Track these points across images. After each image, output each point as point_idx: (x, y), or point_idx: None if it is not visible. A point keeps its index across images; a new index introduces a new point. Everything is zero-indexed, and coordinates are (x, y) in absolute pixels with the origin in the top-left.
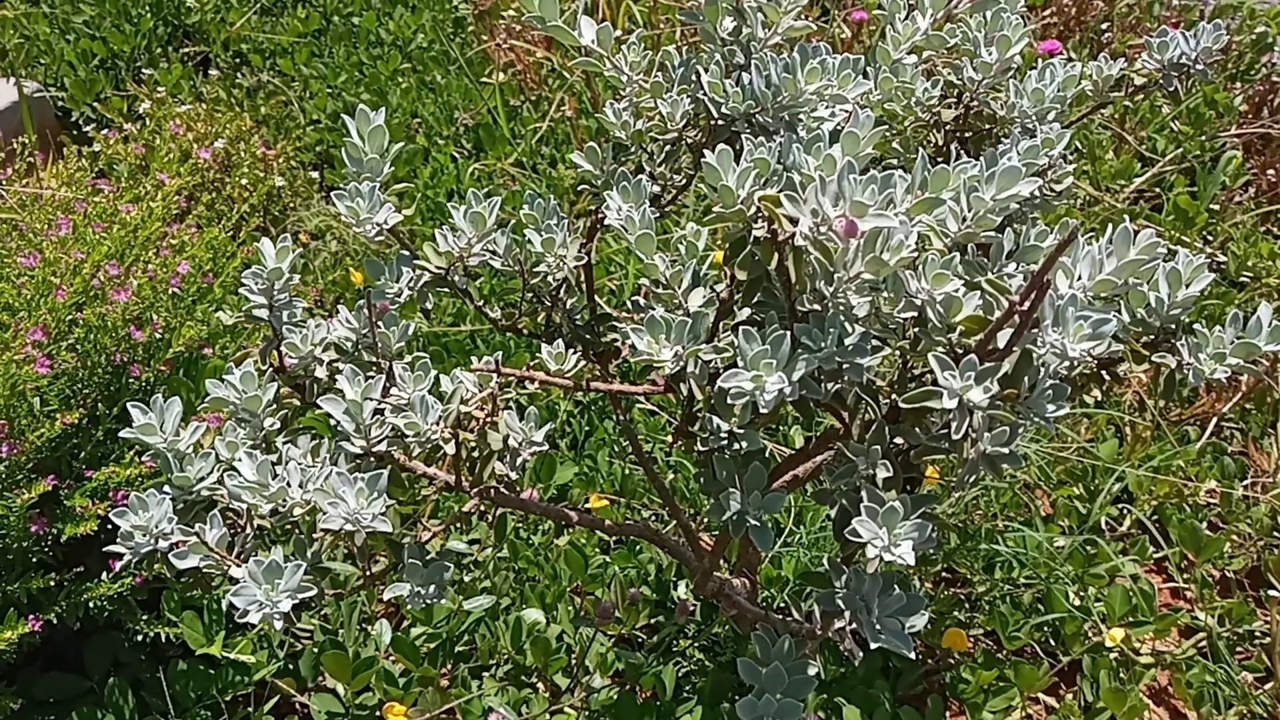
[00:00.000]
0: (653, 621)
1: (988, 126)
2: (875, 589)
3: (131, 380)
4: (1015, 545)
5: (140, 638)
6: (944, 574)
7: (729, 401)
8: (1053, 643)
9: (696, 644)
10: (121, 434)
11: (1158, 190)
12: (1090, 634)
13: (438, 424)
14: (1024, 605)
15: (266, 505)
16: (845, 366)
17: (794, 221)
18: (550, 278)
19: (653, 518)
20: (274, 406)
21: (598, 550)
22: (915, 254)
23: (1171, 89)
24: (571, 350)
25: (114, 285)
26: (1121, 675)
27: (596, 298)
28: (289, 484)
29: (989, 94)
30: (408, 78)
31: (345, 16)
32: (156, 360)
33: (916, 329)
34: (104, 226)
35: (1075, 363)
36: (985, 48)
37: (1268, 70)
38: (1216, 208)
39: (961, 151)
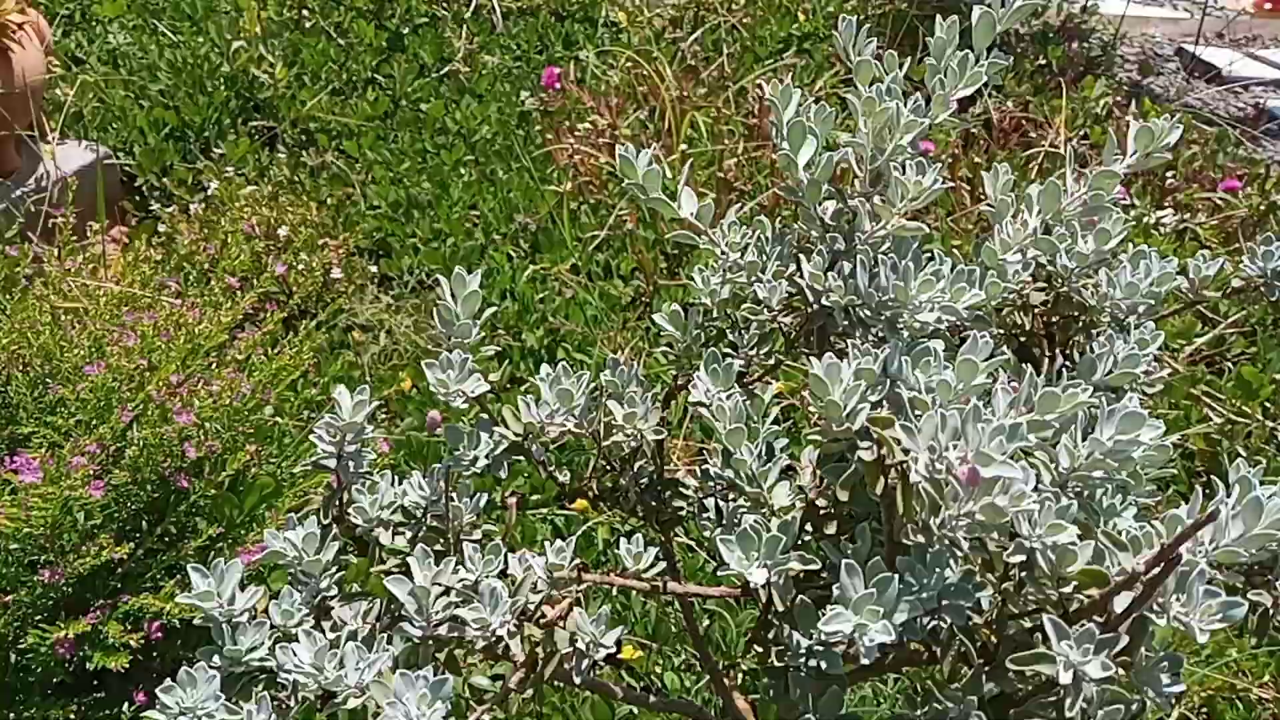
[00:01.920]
0: None
1: (1076, 313)
2: None
3: (177, 495)
4: None
5: None
6: None
7: (825, 641)
8: None
9: None
10: (178, 599)
11: (1218, 352)
12: None
13: (507, 616)
14: None
15: (316, 688)
16: (945, 604)
17: (905, 450)
18: (624, 445)
19: (684, 667)
20: (333, 570)
21: (637, 705)
22: (1034, 501)
23: (1274, 299)
24: (651, 547)
25: (172, 398)
26: None
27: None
28: (343, 666)
29: (1080, 281)
30: (470, 169)
31: (413, 102)
32: (208, 481)
33: (1023, 573)
34: (168, 335)
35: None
36: (1082, 237)
37: None
38: None
39: (1047, 337)
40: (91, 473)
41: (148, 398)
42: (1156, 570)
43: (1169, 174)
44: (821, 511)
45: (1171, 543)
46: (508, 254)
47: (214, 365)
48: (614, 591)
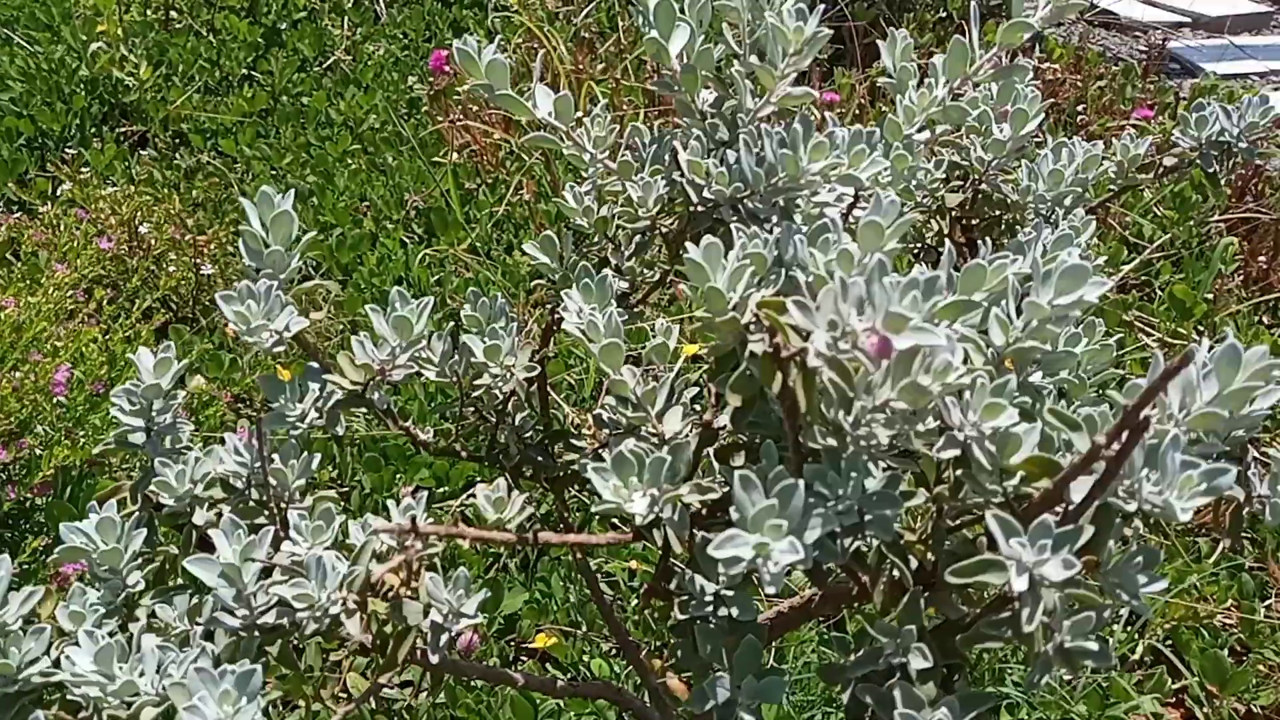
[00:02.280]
0: None
1: (998, 213)
2: None
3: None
4: (1021, 683)
5: None
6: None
7: (722, 570)
8: None
9: None
10: None
11: (1145, 278)
12: None
13: (340, 591)
14: None
15: (112, 700)
16: (869, 519)
17: (804, 335)
18: (495, 391)
19: (614, 652)
20: (139, 561)
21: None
22: (965, 376)
23: (1211, 170)
24: (516, 492)
25: None
26: None
27: (554, 399)
28: (144, 672)
29: (999, 176)
30: (358, 159)
31: (294, 96)
32: (24, 485)
33: (959, 471)
34: None
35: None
36: (997, 124)
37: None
38: (1210, 296)
39: (968, 243)
40: None
41: None
42: (1119, 444)
43: (1080, 108)
44: (726, 440)
45: (1136, 403)
46: (401, 239)
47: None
48: (531, 576)
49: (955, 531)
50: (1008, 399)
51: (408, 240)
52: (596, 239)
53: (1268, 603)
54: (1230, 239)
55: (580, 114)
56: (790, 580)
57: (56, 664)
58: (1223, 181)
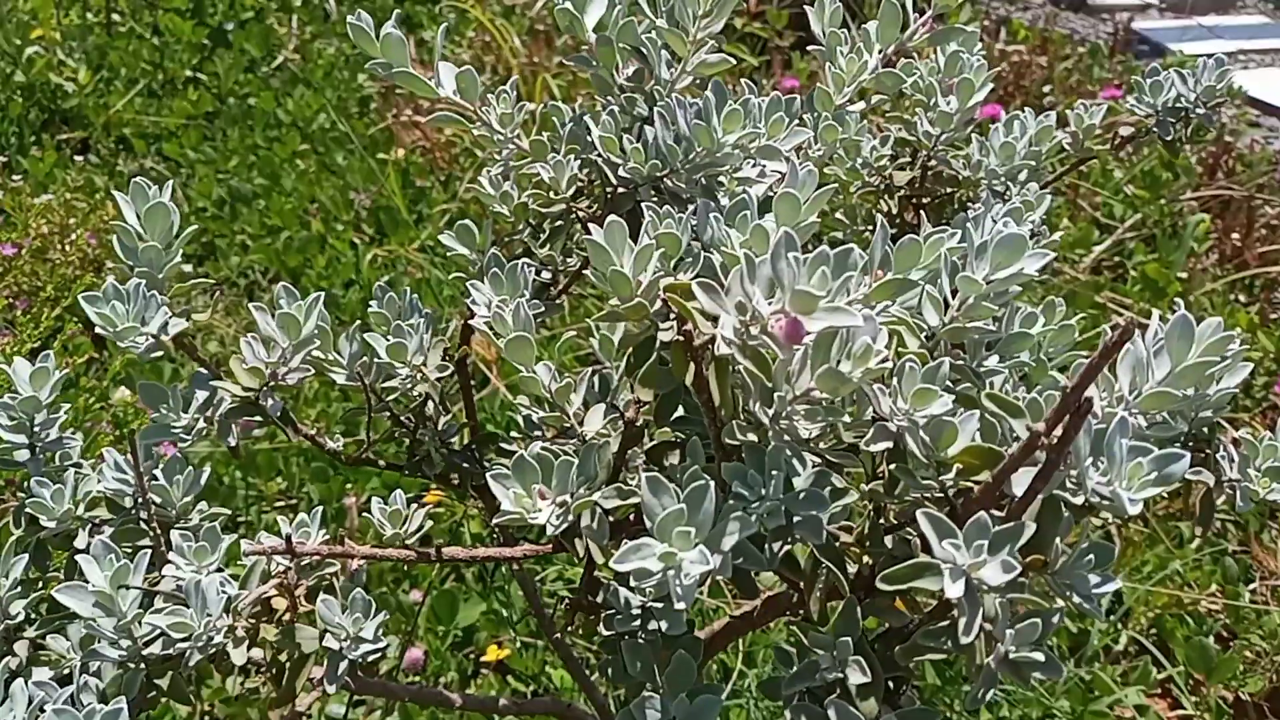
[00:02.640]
0: None
1: (949, 190)
2: None
3: None
4: (1003, 679)
5: None
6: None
7: (633, 583)
8: None
9: None
10: None
11: (1118, 258)
12: None
13: (225, 618)
14: None
15: None
16: (798, 520)
17: (714, 320)
18: (409, 393)
19: (586, 661)
20: (19, 589)
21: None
22: (887, 360)
23: (1169, 137)
24: (416, 506)
25: None
26: None
27: (513, 401)
28: (14, 715)
29: (949, 152)
30: (307, 160)
31: (241, 98)
32: None
33: (893, 465)
34: None
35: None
36: (943, 96)
37: (1219, 130)
38: (1184, 275)
39: (918, 224)
40: None
41: None
42: (1060, 430)
43: (1046, 89)
44: (657, 439)
45: (1075, 384)
46: (351, 241)
47: None
48: (489, 587)
49: (895, 530)
50: (940, 384)
51: (358, 241)
52: (521, 227)
53: (1252, 586)
54: (1202, 216)
55: (527, 103)
56: (760, 580)
57: None
58: (1187, 152)
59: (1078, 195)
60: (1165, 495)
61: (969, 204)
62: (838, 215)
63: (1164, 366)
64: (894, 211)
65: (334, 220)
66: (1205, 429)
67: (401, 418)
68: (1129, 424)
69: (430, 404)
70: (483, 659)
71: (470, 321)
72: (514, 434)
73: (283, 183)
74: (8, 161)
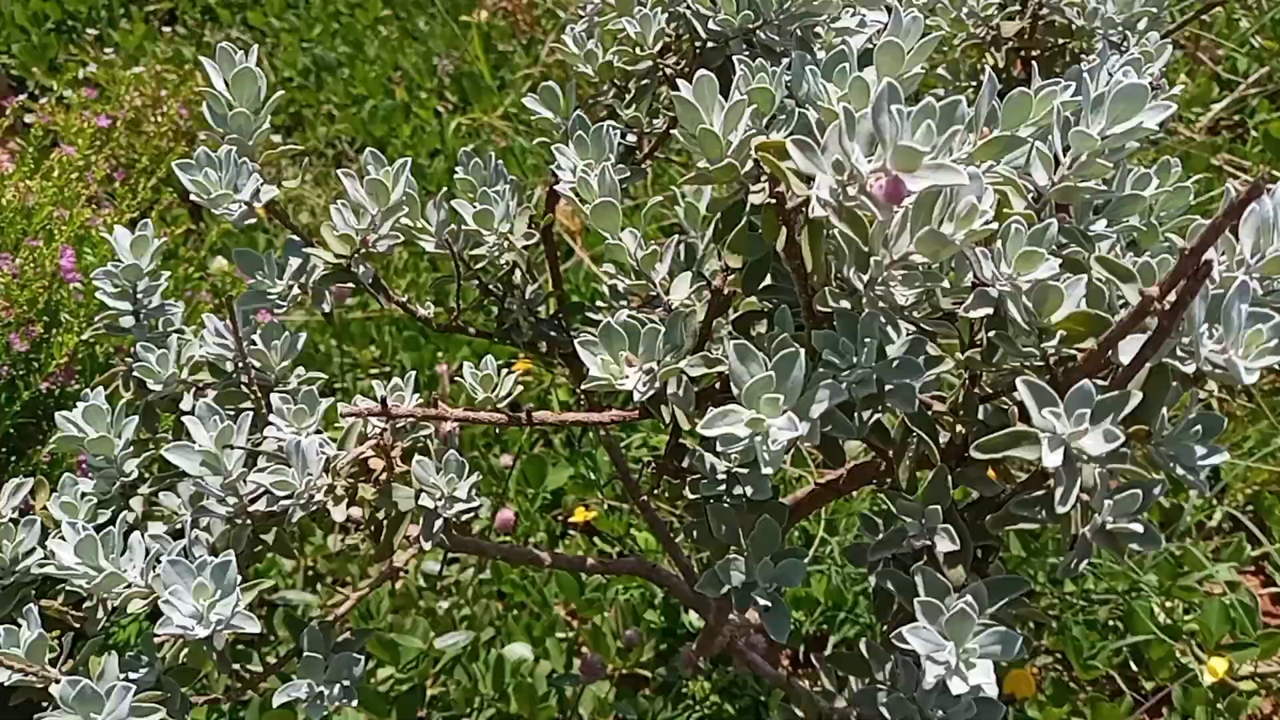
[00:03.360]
0: (661, 650)
1: (1061, 41)
2: (934, 695)
3: (8, 394)
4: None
5: None
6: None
7: (721, 449)
8: (1135, 669)
9: (711, 686)
10: None
11: (1239, 117)
12: (1180, 657)
13: (324, 477)
14: (1100, 625)
15: (104, 593)
16: (889, 389)
17: (809, 181)
18: (495, 261)
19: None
20: (132, 449)
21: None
22: (992, 222)
23: None
24: (507, 370)
25: None
26: (1219, 706)
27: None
28: (133, 564)
29: (1062, 0)
30: (389, 25)
31: None
32: (41, 373)
33: (992, 332)
34: None
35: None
36: None
37: None
38: None
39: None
40: None
41: None
42: (1175, 294)
43: None
44: (745, 306)
45: (1194, 247)
46: (435, 109)
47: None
48: (576, 452)
49: (990, 400)
50: (1047, 247)
51: (442, 109)
52: (606, 88)
53: None
54: None
55: None
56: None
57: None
58: None
59: (1198, 48)
60: (1276, 368)
61: (1083, 56)
62: (940, 71)
63: None
64: (1001, 65)
65: (418, 88)
66: None
67: (489, 286)
68: (1249, 288)
69: (518, 272)
70: (570, 520)
71: (555, 187)
72: (599, 303)
73: (366, 50)
74: (99, 35)
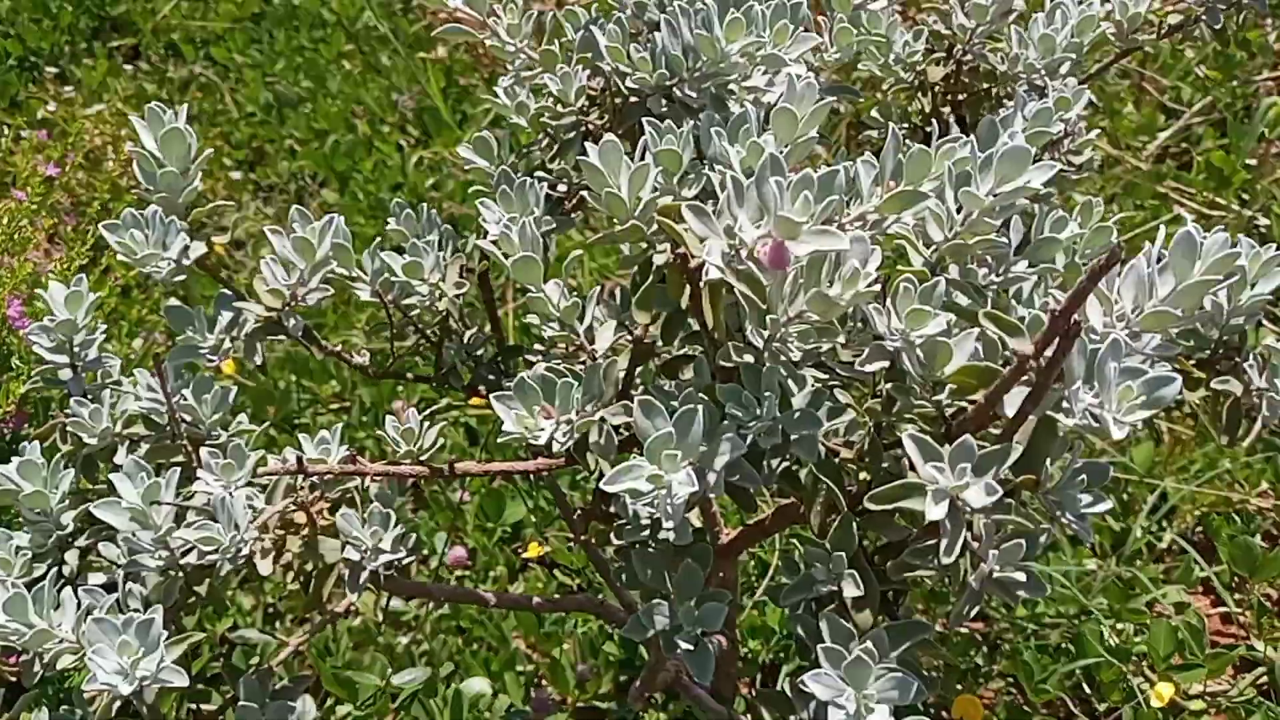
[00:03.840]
0: (621, 681)
1: (986, 86)
2: None
3: None
4: (1039, 574)
5: None
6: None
7: (627, 503)
8: (1088, 691)
9: (667, 715)
10: None
11: (1185, 146)
12: (1131, 679)
13: (253, 530)
14: (1052, 647)
15: (34, 649)
16: (794, 439)
17: (706, 243)
18: (430, 309)
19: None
20: (69, 501)
21: (554, 597)
22: (878, 281)
23: (1218, 25)
24: (427, 423)
25: None
26: None
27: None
28: (65, 620)
29: (985, 45)
30: (353, 60)
31: None
32: None
33: (890, 384)
34: None
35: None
36: None
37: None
38: (1254, 163)
39: (956, 120)
40: None
41: None
42: (1050, 350)
43: None
44: (674, 355)
45: (1064, 307)
46: (397, 144)
47: None
48: (535, 485)
49: (895, 448)
50: (936, 304)
51: (404, 144)
52: (538, 138)
53: None
54: (1274, 99)
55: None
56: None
57: None
58: (1266, 29)
59: (1143, 78)
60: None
61: (1006, 99)
62: (873, 113)
63: (1167, 284)
64: (928, 109)
65: (380, 123)
66: (1236, 336)
67: (427, 332)
68: (1121, 346)
69: (452, 319)
70: (525, 555)
71: (478, 242)
72: (537, 346)
73: (329, 85)
74: (60, 72)
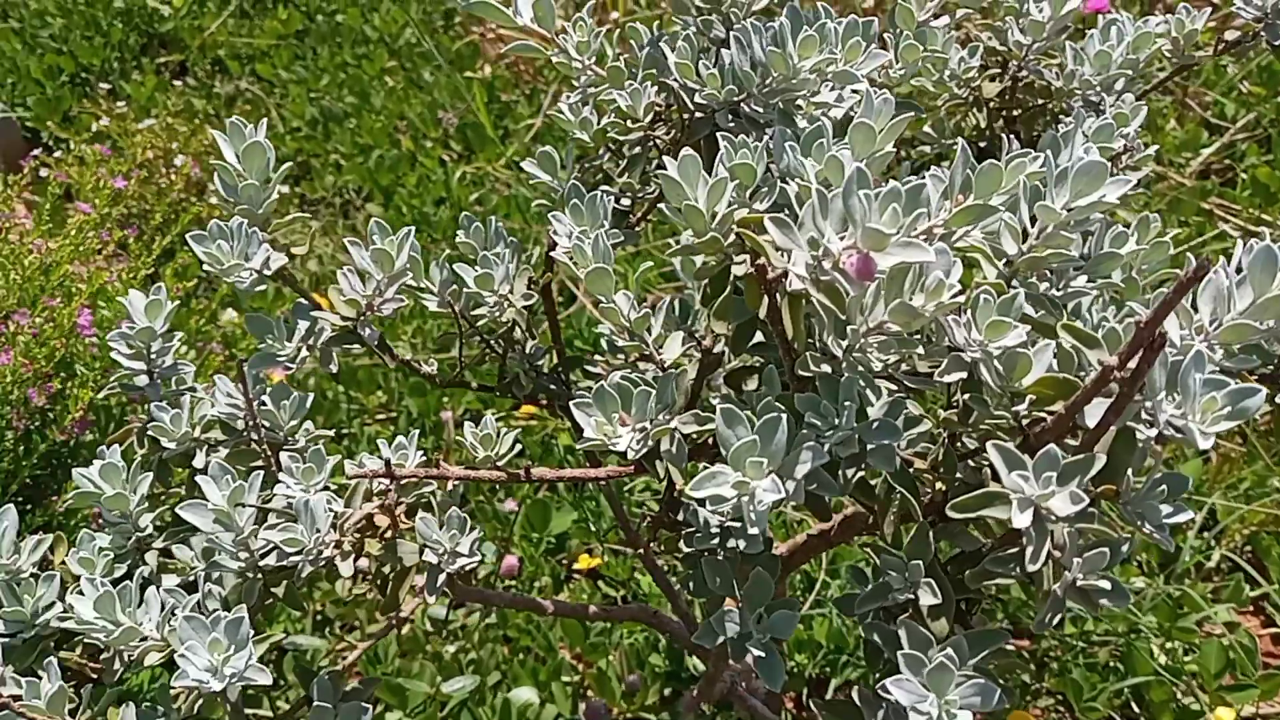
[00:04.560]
0: (666, 694)
1: (1040, 101)
2: None
3: (26, 447)
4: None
5: None
6: (1004, 627)
7: (698, 512)
8: (1136, 710)
9: None
10: None
11: (1228, 162)
12: (1181, 698)
13: (332, 533)
14: (1101, 666)
15: (120, 647)
16: (870, 449)
17: (788, 254)
18: (496, 319)
19: (670, 570)
20: (146, 504)
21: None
22: (960, 293)
23: (1278, 41)
24: (505, 429)
25: (6, 342)
26: None
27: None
28: (149, 618)
29: (1041, 61)
30: (395, 76)
31: (329, 15)
32: (59, 426)
33: (967, 395)
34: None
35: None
36: (1035, 3)
37: None
38: None
39: (1011, 135)
40: None
41: None
42: (1134, 363)
43: None
44: (738, 365)
45: (1149, 319)
46: (440, 158)
47: (54, 302)
48: (580, 497)
49: (968, 458)
50: (1015, 315)
51: (447, 158)
52: (601, 154)
53: None
54: None
55: (612, 13)
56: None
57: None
58: None
59: (1186, 94)
60: (1270, 410)
61: (1061, 115)
62: (926, 129)
63: (1246, 298)
64: (983, 124)
65: (423, 138)
66: None
67: (491, 342)
68: (1204, 358)
69: (518, 329)
70: (575, 566)
71: (551, 254)
72: (599, 356)
73: (372, 101)
74: (111, 88)
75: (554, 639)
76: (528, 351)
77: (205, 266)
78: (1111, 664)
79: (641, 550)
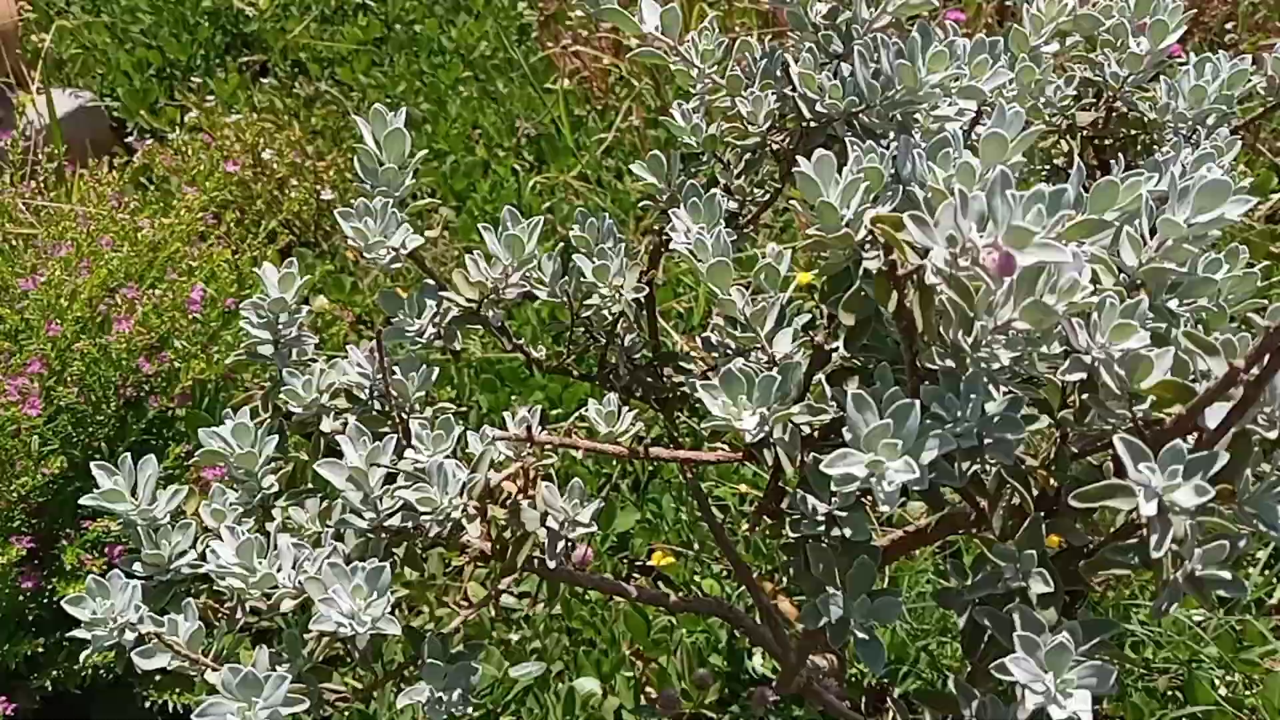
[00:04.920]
0: (724, 694)
1: (1133, 133)
2: None
3: (136, 412)
4: (1148, 621)
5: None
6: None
7: (834, 489)
8: None
9: None
10: (82, 500)
11: None
12: None
13: (460, 497)
14: (1159, 694)
15: (254, 592)
16: (988, 443)
17: (921, 252)
18: (605, 311)
19: (725, 573)
20: (273, 464)
21: (661, 609)
22: (1092, 296)
23: None
24: (626, 408)
25: (120, 312)
26: None
27: (663, 326)
28: (281, 567)
29: (1135, 94)
30: (469, 86)
31: (407, 24)
32: (166, 395)
33: (1085, 395)
34: (115, 245)
35: None
36: (1134, 37)
37: None
38: None
39: (1100, 165)
40: (34, 391)
41: (83, 308)
42: (1259, 368)
43: (1229, 25)
44: (841, 364)
45: (1278, 326)
46: (513, 167)
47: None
48: (643, 497)
49: (1079, 458)
50: (1139, 321)
51: (519, 167)
52: (705, 158)
53: None
54: None
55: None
56: (905, 512)
57: (202, 557)
58: None
59: (1256, 139)
60: None
61: (1153, 147)
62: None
63: None
64: (1073, 153)
65: (496, 147)
66: None
67: (595, 334)
68: None
69: (621, 322)
70: (646, 564)
71: (672, 245)
72: (692, 354)
73: (448, 108)
74: (201, 83)
75: (618, 632)
76: (626, 345)
77: (351, 242)
78: (1170, 692)
79: (725, 542)
